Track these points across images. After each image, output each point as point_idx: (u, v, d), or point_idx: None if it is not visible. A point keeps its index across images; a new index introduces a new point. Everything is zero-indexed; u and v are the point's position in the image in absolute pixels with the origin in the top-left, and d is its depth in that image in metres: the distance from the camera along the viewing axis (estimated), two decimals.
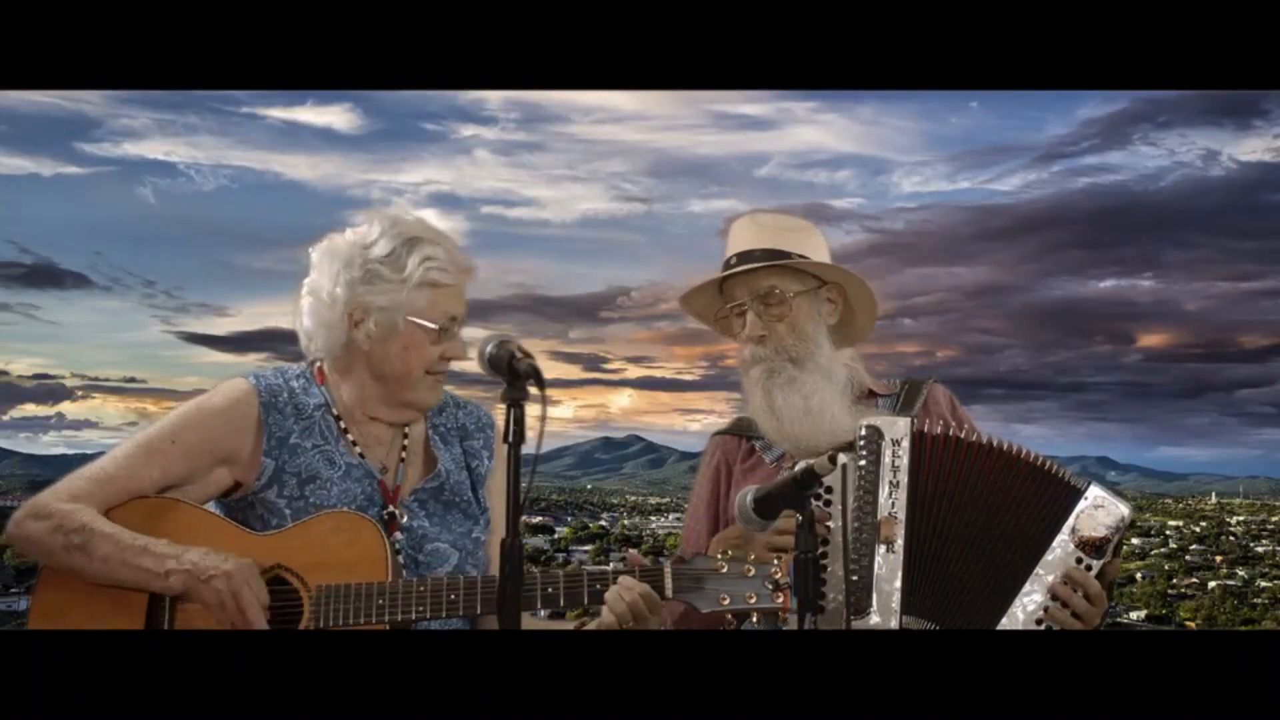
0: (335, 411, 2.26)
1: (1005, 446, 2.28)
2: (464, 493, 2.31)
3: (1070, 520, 2.21)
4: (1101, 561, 2.19)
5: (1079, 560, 2.19)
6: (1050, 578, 2.19)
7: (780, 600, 2.01)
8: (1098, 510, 2.20)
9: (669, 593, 2.04)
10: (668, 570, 2.04)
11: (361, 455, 2.24)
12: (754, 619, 2.04)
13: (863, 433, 2.29)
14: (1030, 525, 2.23)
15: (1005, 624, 2.18)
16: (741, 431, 2.60)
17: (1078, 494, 2.23)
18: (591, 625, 2.11)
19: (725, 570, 2.03)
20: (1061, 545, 2.20)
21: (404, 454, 2.29)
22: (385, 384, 2.23)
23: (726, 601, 2.02)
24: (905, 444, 2.26)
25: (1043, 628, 2.17)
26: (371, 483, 2.22)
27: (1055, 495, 2.24)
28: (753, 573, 2.03)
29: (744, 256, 2.47)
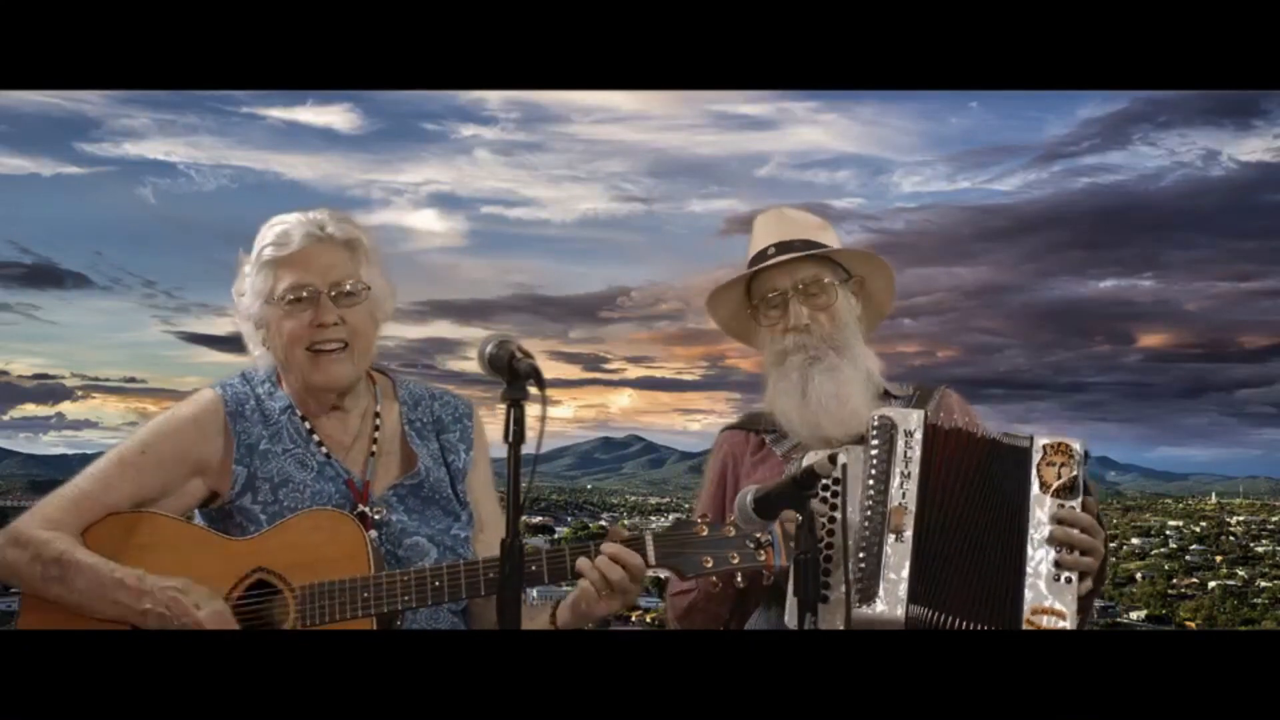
0: (300, 413, 2.26)
1: (994, 435, 2.32)
2: (443, 489, 2.29)
3: (1033, 479, 2.25)
4: (1079, 500, 2.23)
5: (1060, 506, 2.23)
6: (1046, 532, 2.22)
7: (764, 558, 2.01)
8: (1054, 456, 2.25)
9: (652, 560, 2.03)
10: (649, 539, 2.04)
11: (328, 455, 2.24)
12: (738, 579, 2.04)
13: (875, 423, 2.31)
14: (1008, 504, 2.26)
15: (1032, 597, 2.19)
16: (752, 426, 2.61)
17: (1026, 451, 2.27)
18: (568, 600, 2.09)
19: (706, 533, 2.03)
20: (1038, 503, 2.24)
21: (374, 449, 2.28)
22: (288, 374, 2.25)
23: (710, 564, 2.02)
24: (918, 435, 2.29)
25: (1063, 580, 2.19)
26: (342, 481, 2.21)
27: (1011, 463, 2.28)
28: (733, 533, 2.03)
29: (783, 247, 2.51)
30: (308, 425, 2.25)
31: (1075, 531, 2.20)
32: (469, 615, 2.32)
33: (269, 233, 2.20)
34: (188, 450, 2.19)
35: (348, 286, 2.19)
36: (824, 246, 2.53)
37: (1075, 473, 2.23)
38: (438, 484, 2.29)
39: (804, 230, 2.56)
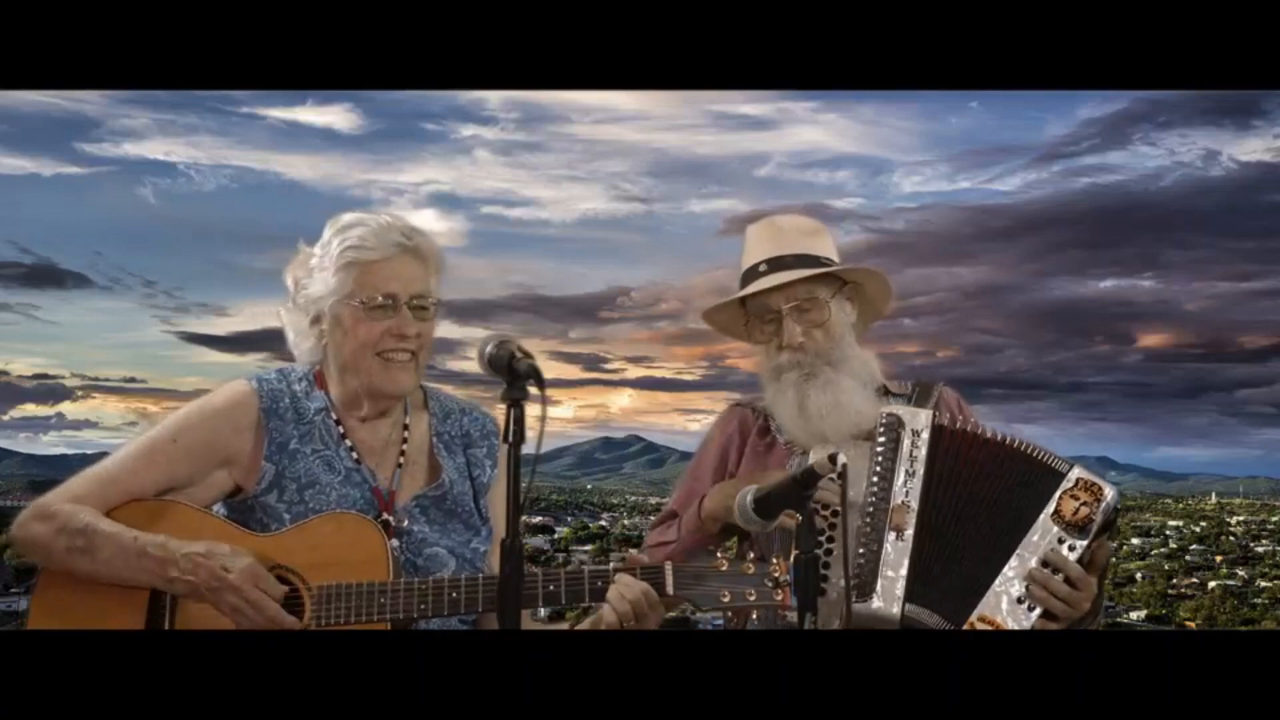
0: (335, 415, 2.26)
1: (1008, 440, 2.32)
2: (466, 503, 2.30)
3: (1052, 502, 2.24)
4: (1086, 542, 2.21)
5: (1061, 540, 2.21)
6: (1032, 560, 2.21)
7: (780, 597, 2.02)
8: (1080, 491, 2.23)
9: (670, 590, 2.04)
10: (668, 569, 2.04)
11: (358, 460, 2.24)
12: (754, 616, 2.05)
13: (883, 419, 2.33)
14: (1015, 511, 2.26)
15: (988, 602, 2.20)
16: (761, 410, 2.62)
17: (1059, 476, 2.26)
18: (587, 623, 2.11)
19: (725, 568, 2.04)
20: (1042, 527, 2.23)
21: (402, 459, 2.28)
22: (348, 375, 2.23)
23: (727, 598, 2.02)
24: (925, 435, 2.30)
25: (1025, 607, 2.19)
26: (368, 488, 2.22)
27: (1037, 479, 2.27)
28: (752, 570, 2.03)
29: (775, 264, 2.50)
30: (341, 429, 2.25)
31: (1057, 579, 2.19)
32: (477, 623, 2.32)
33: (351, 233, 2.19)
34: (217, 441, 2.18)
35: (423, 300, 2.20)
36: (816, 260, 2.51)
37: (1092, 515, 2.21)
38: (461, 497, 2.29)
39: (796, 242, 2.54)
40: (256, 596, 1.98)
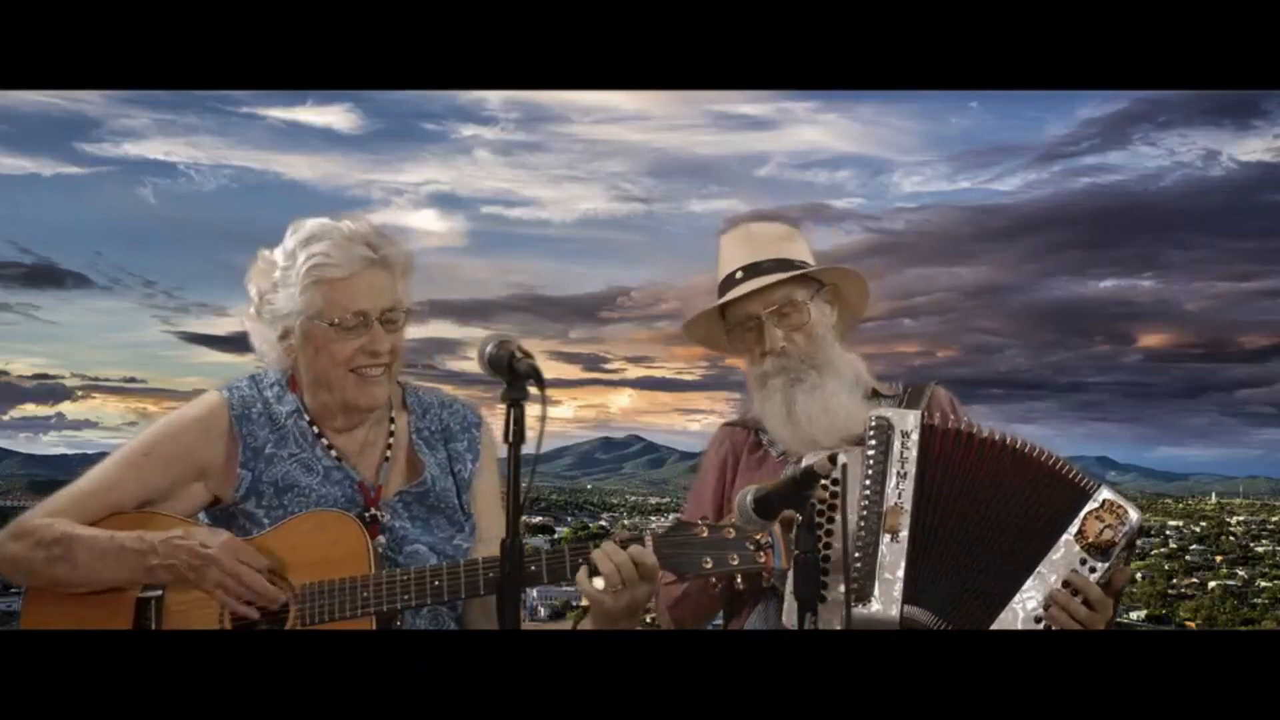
0: (308, 416, 2.24)
1: (1017, 443, 2.29)
2: (449, 499, 2.28)
3: (1076, 522, 2.20)
4: (1106, 565, 2.18)
5: (1083, 561, 2.18)
6: (1053, 578, 2.18)
7: (763, 560, 2.01)
8: (1105, 513, 2.19)
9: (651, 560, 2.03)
10: (649, 540, 2.03)
11: (338, 459, 2.23)
12: (738, 580, 2.04)
13: (873, 423, 2.31)
14: (1036, 524, 2.23)
15: (1005, 619, 2.18)
16: (751, 424, 2.61)
17: (1085, 496, 2.22)
18: (589, 616, 2.10)
19: (706, 534, 2.03)
20: (1066, 546, 2.19)
21: (388, 453, 2.27)
22: (320, 390, 2.21)
23: (709, 564, 2.01)
24: (915, 436, 2.28)
25: (1041, 627, 2.17)
26: (351, 485, 2.21)
27: (1063, 495, 2.24)
28: (733, 534, 2.02)
29: (751, 270, 2.49)
30: (315, 429, 2.24)
31: (1077, 600, 2.16)
32: (465, 621, 2.32)
33: (316, 247, 2.14)
34: (191, 453, 2.18)
35: (393, 313, 2.18)
36: (793, 263, 2.49)
37: (1115, 539, 2.17)
38: (444, 493, 2.28)
39: (771, 247, 2.52)
40: (239, 569, 1.98)
